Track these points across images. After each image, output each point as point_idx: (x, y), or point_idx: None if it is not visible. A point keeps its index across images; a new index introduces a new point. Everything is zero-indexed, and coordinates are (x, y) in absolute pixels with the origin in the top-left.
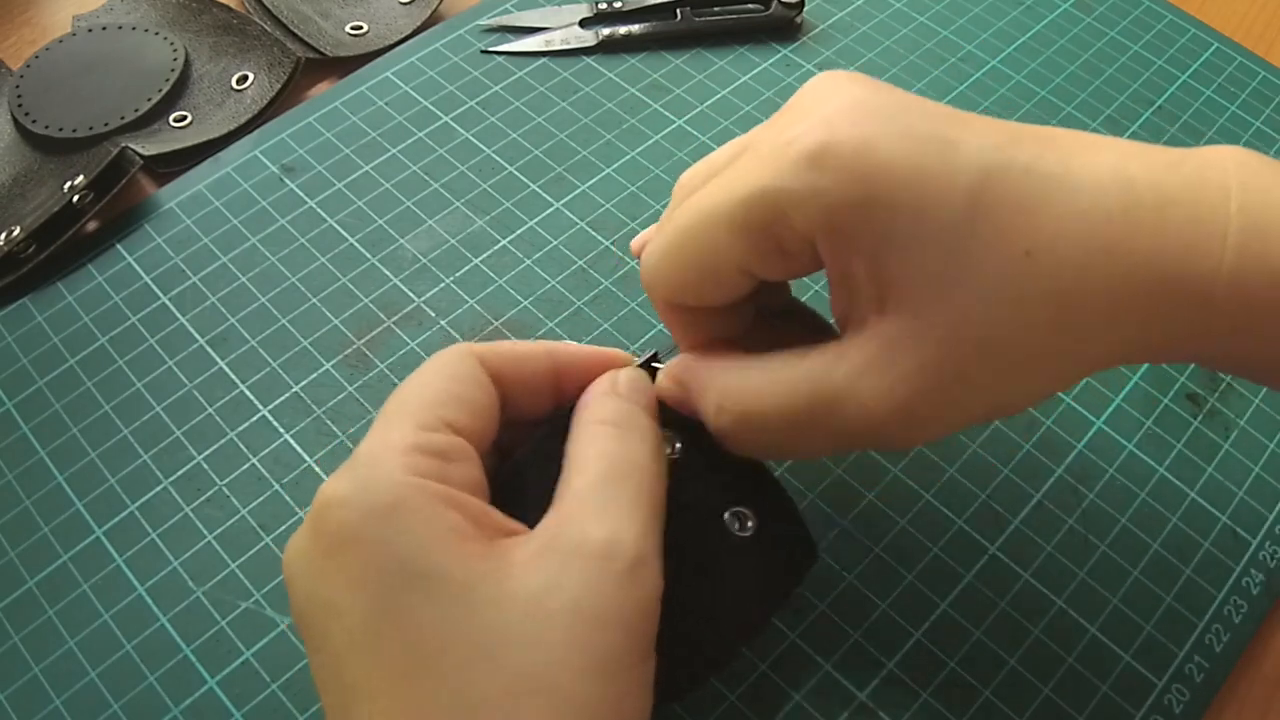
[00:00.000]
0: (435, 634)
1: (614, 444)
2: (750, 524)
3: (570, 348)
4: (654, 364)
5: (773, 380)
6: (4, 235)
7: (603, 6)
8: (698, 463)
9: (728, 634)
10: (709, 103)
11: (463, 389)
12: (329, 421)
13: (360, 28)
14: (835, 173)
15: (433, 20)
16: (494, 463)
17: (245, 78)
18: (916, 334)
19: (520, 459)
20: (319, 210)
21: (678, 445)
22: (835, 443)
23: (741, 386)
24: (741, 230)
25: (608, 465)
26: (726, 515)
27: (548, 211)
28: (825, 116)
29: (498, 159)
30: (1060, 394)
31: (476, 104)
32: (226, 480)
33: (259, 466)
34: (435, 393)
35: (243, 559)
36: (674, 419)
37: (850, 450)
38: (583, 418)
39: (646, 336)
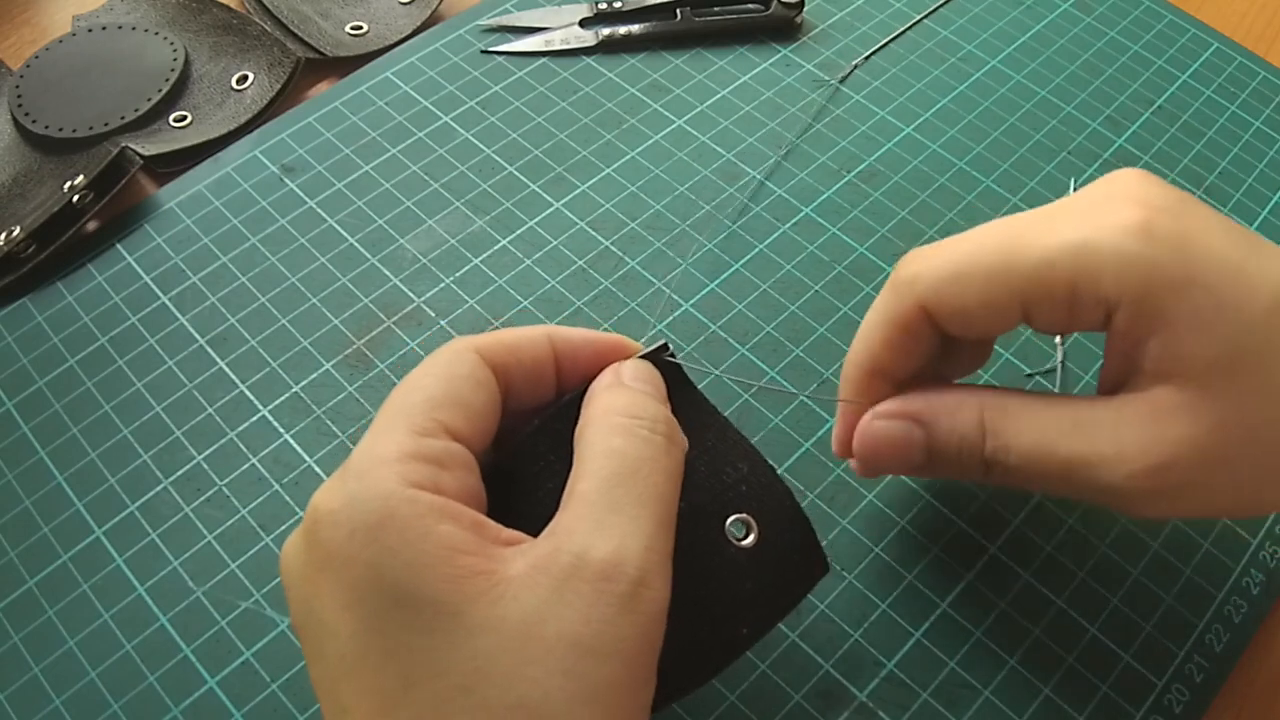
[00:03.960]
0: (424, 662)
1: (622, 439)
2: (751, 535)
3: (571, 335)
4: (662, 356)
5: (1053, 419)
6: (4, 235)
7: (603, 6)
8: (703, 465)
9: (709, 654)
10: (709, 103)
11: (461, 390)
12: (329, 421)
13: (360, 28)
14: (1164, 247)
15: (433, 20)
16: (490, 458)
17: (245, 78)
18: (1194, 408)
19: (515, 458)
20: (319, 210)
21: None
22: (1075, 491)
23: (1035, 427)
24: (1047, 272)
25: (615, 466)
26: (729, 522)
27: (548, 211)
28: (1143, 200)
29: (498, 159)
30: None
31: (476, 104)
32: (226, 480)
33: (259, 466)
34: (432, 395)
35: (243, 559)
36: (678, 420)
37: (1083, 500)
38: (591, 412)
39: (646, 336)
